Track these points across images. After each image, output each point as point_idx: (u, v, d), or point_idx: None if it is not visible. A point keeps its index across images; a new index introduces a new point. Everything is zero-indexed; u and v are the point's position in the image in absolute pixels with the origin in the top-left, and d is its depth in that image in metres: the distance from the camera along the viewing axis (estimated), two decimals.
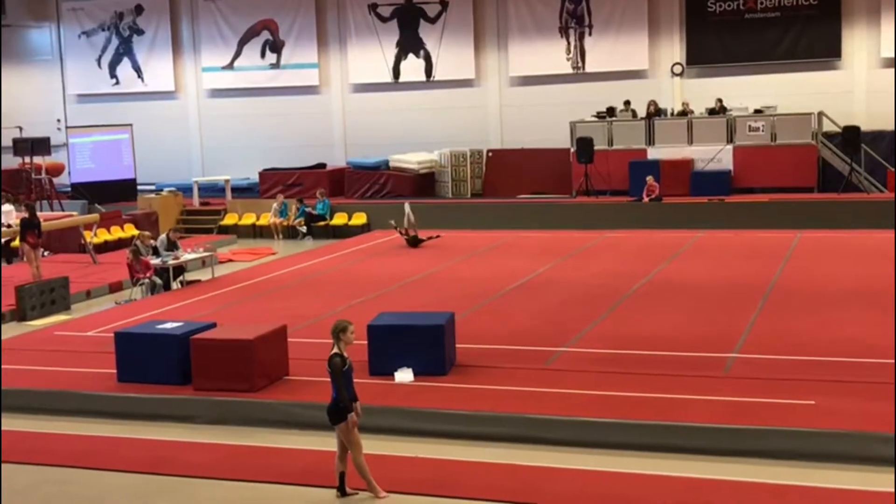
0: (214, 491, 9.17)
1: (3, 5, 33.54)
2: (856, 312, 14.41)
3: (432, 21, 31.05)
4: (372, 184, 28.89)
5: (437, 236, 23.30)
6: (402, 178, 28.61)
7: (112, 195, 29.03)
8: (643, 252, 20.92)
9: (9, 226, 21.51)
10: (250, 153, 32.44)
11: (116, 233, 25.22)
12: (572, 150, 27.22)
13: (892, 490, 8.34)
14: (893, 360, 11.44)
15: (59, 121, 34.16)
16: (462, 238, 23.57)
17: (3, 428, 10.84)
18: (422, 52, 31.26)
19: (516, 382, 11.33)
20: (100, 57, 34.65)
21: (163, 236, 19.92)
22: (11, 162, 30.76)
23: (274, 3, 32.50)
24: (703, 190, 25.82)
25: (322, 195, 27.47)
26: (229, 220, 28.31)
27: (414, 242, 22.86)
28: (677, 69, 28.99)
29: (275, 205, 27.40)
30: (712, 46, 28.58)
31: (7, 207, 22.18)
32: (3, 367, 12.71)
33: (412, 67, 31.40)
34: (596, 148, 26.58)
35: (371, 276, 19.29)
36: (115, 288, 19.43)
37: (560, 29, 29.84)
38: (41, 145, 28.83)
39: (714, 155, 26.28)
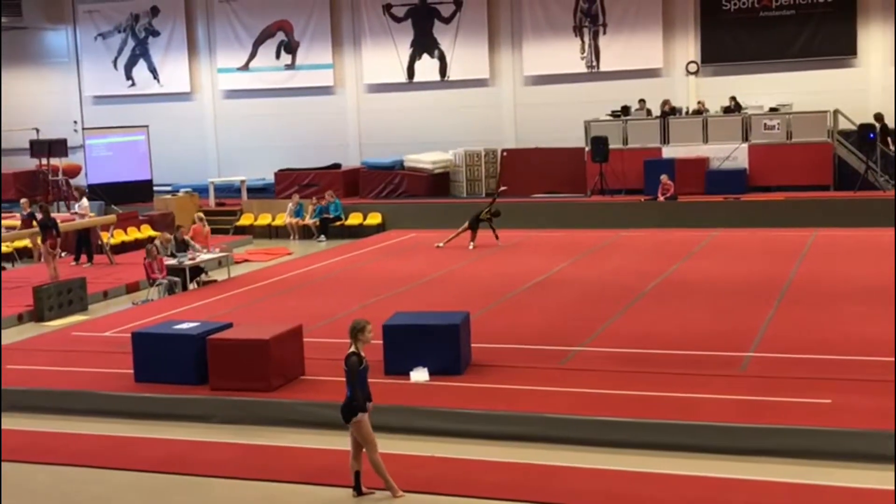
0: (231, 490, 9.21)
1: (19, 6, 33.63)
2: (872, 311, 14.35)
3: (446, 21, 31.05)
4: (387, 184, 28.91)
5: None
6: (417, 177, 28.62)
7: (128, 196, 29.18)
8: (658, 251, 20.89)
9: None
10: (265, 154, 32.53)
11: (133, 234, 25.34)
12: (587, 149, 27.18)
13: None
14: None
15: (75, 122, 34.28)
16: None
17: (21, 428, 10.95)
18: (436, 52, 31.26)
19: (532, 381, 11.33)
20: (116, 58, 34.79)
21: (171, 238, 20.01)
22: (28, 163, 30.96)
23: (288, 4, 32.55)
24: (719, 188, 25.74)
25: (332, 196, 27.39)
26: (245, 220, 28.42)
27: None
28: (692, 67, 28.90)
29: (290, 205, 27.47)
30: (727, 44, 28.47)
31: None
32: (20, 367, 12.84)
33: (427, 67, 31.41)
34: (611, 147, 26.52)
35: (386, 275, 19.32)
36: (132, 288, 19.54)
37: (574, 28, 29.79)
38: (58, 147, 29.04)
39: (729, 153, 26.20)
